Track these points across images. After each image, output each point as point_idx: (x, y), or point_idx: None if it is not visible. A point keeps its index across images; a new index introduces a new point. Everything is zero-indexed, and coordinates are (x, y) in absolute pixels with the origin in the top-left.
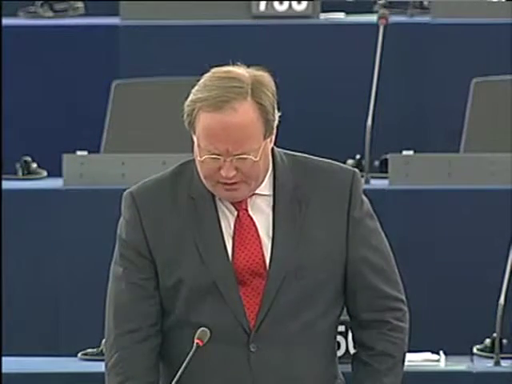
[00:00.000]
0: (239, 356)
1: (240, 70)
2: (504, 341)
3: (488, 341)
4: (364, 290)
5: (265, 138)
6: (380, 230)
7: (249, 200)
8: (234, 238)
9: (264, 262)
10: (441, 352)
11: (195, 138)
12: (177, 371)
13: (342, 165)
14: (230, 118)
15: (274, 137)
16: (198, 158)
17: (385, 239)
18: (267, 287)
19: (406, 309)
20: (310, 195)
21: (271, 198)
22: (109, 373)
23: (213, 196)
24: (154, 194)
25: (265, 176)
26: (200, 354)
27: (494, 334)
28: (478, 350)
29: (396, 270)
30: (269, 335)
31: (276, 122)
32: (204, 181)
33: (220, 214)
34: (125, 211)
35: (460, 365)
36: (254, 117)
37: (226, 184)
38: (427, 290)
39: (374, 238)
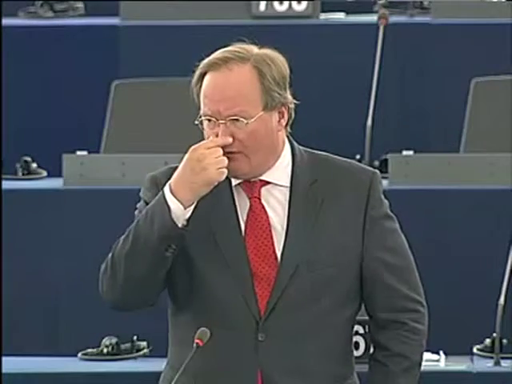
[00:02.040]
0: (247, 344)
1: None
2: (504, 341)
3: (488, 341)
4: (380, 290)
5: (265, 109)
6: (399, 231)
7: (263, 189)
8: (246, 227)
9: (274, 251)
10: (441, 352)
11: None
12: (185, 353)
13: (362, 165)
14: (223, 77)
15: (284, 121)
16: (200, 127)
17: (405, 241)
18: (278, 276)
19: (424, 311)
20: (328, 192)
21: (288, 190)
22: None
23: (230, 184)
24: None
25: (269, 155)
26: (209, 340)
27: (494, 334)
28: (477, 350)
29: (416, 273)
30: (278, 325)
31: (282, 100)
32: None
33: (236, 202)
34: (145, 193)
35: (460, 365)
36: (249, 80)
37: (224, 155)
38: (427, 290)
39: (392, 239)
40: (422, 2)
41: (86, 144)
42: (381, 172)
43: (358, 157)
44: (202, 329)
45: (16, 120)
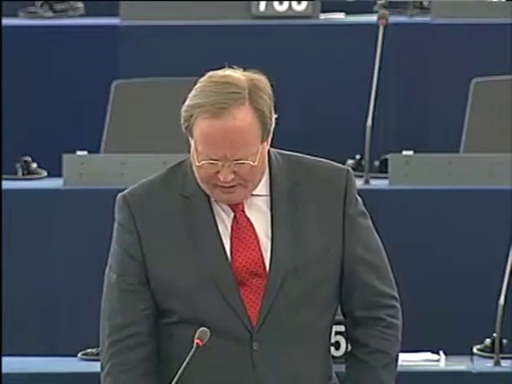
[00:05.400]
0: (242, 354)
1: (236, 75)
2: (504, 341)
3: (488, 341)
4: (359, 288)
5: (262, 141)
6: (373, 228)
7: (245, 201)
8: (231, 239)
9: (263, 262)
10: (441, 352)
11: (192, 142)
12: (178, 370)
13: (335, 163)
14: (228, 125)
15: (270, 139)
16: (196, 163)
17: (378, 237)
18: (268, 287)
19: (399, 306)
20: (306, 194)
21: (268, 198)
22: (103, 381)
23: (207, 195)
24: (147, 195)
25: (261, 177)
26: (203, 352)
27: (494, 334)
28: (478, 350)
29: (389, 268)
30: (271, 334)
31: (273, 125)
32: (201, 184)
33: (216, 215)
34: (118, 214)
35: (460, 365)
36: (251, 122)
37: (223, 187)
38: (427, 290)
39: (368, 236)
40: (421, 2)
41: (86, 144)
42: (381, 172)
43: (358, 157)
44: (202, 328)
45: (16, 120)
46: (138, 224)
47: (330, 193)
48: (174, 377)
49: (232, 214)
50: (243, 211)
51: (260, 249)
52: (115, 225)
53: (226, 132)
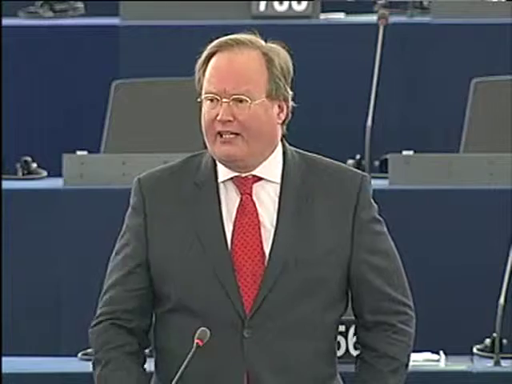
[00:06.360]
0: (233, 341)
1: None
2: (504, 341)
3: (488, 341)
4: (369, 293)
5: (268, 96)
6: (387, 234)
7: (254, 185)
8: (234, 223)
9: (262, 248)
10: (441, 352)
11: (203, 97)
12: (172, 359)
13: (351, 168)
14: (233, 57)
15: (283, 116)
16: (201, 100)
17: (393, 244)
18: (265, 274)
19: (412, 314)
20: (317, 193)
21: (278, 187)
22: (94, 359)
23: (216, 182)
24: (160, 180)
25: (270, 149)
26: (193, 336)
27: (494, 334)
28: (478, 350)
29: (404, 276)
30: (264, 323)
31: (287, 95)
32: (205, 138)
33: (223, 199)
34: (132, 197)
35: (460, 365)
36: (258, 64)
37: (222, 136)
38: (427, 290)
39: (381, 242)
40: (421, 2)
41: (86, 144)
42: (381, 172)
43: (358, 157)
44: (202, 328)
45: (16, 120)
46: (147, 207)
47: (343, 195)
48: (172, 372)
49: (239, 198)
50: (250, 195)
51: (260, 234)
52: (129, 209)
53: (229, 63)
